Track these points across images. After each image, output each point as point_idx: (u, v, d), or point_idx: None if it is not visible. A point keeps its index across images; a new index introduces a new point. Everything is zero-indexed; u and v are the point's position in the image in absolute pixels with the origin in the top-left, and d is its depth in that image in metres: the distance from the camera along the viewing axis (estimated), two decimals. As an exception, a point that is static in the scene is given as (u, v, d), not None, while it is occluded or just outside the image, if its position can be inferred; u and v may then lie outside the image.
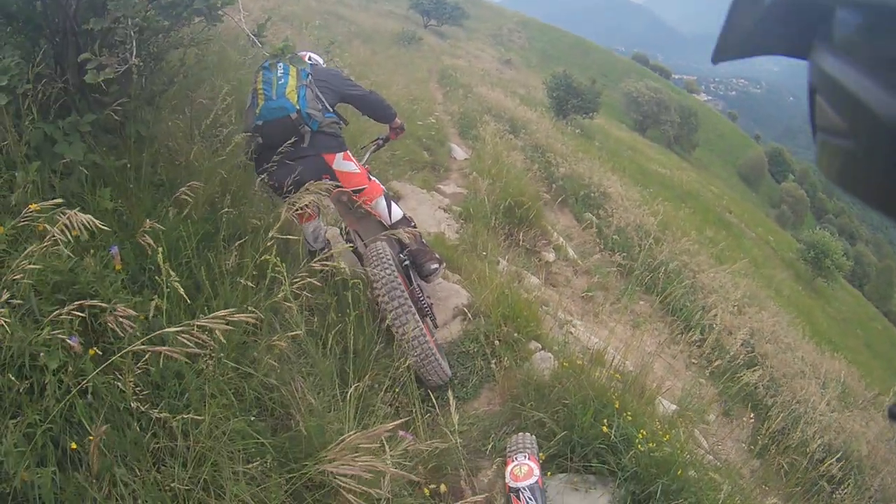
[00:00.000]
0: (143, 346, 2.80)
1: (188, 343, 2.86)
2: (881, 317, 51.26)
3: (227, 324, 2.88)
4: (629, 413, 4.88)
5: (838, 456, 8.57)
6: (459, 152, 15.59)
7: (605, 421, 4.71)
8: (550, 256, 10.99)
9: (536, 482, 3.53)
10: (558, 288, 10.11)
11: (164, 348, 2.81)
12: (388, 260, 5.16)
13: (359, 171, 5.70)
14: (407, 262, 5.84)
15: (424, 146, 14.44)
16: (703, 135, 72.80)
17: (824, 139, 0.89)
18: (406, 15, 53.09)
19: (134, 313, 3.08)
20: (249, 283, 4.13)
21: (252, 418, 3.62)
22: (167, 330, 2.90)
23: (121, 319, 2.97)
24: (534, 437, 4.34)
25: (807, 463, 6.98)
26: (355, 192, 5.71)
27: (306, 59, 6.04)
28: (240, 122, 6.12)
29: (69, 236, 3.02)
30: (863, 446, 10.26)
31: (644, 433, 4.70)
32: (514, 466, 3.59)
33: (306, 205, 4.96)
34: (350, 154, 5.68)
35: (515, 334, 6.00)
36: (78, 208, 3.16)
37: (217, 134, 5.73)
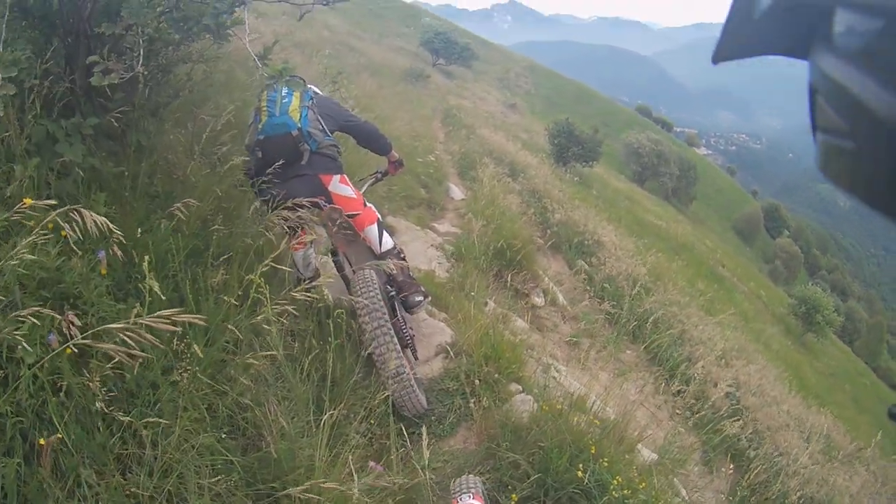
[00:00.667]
0: (86, 341, 2.76)
1: (131, 342, 2.81)
2: (870, 372, 51.33)
3: (172, 324, 2.84)
4: (605, 459, 4.89)
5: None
6: (457, 192, 15.60)
7: (581, 466, 4.71)
8: (539, 301, 10.96)
9: None
10: (545, 332, 10.09)
11: (107, 345, 2.78)
12: (374, 288, 5.16)
13: (354, 196, 5.79)
14: (393, 293, 5.81)
15: (422, 183, 14.46)
16: (701, 188, 72.96)
17: (824, 139, 0.89)
18: (416, 52, 53.26)
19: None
20: (233, 301, 4.11)
21: (223, 435, 3.63)
22: (109, 326, 2.86)
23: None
24: (478, 478, 4.32)
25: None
26: (350, 216, 5.71)
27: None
28: (240, 142, 6.18)
29: (76, 231, 3.03)
30: (845, 499, 10.16)
31: (619, 480, 4.70)
32: None
33: (299, 232, 5.18)
34: (347, 179, 5.78)
35: (496, 375, 6.02)
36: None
37: (216, 151, 5.77)
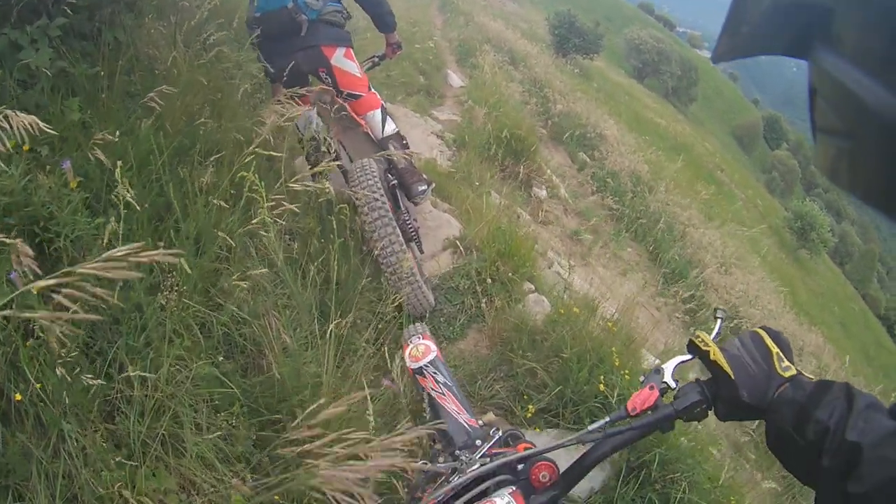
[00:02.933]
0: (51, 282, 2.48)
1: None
2: (859, 298, 51.74)
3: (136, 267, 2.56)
4: (627, 371, 4.83)
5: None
6: (456, 80, 15.38)
7: (602, 378, 4.66)
8: (542, 193, 10.89)
9: (436, 356, 3.44)
10: (547, 226, 10.05)
11: (74, 292, 2.57)
12: (374, 177, 4.94)
13: (360, 75, 5.51)
14: (394, 183, 5.60)
15: (421, 70, 14.26)
16: (701, 90, 72.22)
17: (824, 139, 0.91)
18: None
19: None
20: (223, 203, 3.90)
21: (220, 358, 3.46)
22: (73, 269, 2.81)
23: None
24: (426, 325, 4.25)
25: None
26: (352, 96, 5.52)
27: None
28: (228, 30, 5.91)
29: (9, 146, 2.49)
30: None
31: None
32: (411, 349, 3.48)
33: (301, 93, 4.82)
34: (353, 54, 5.48)
35: (510, 273, 5.82)
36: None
37: (201, 41, 5.34)
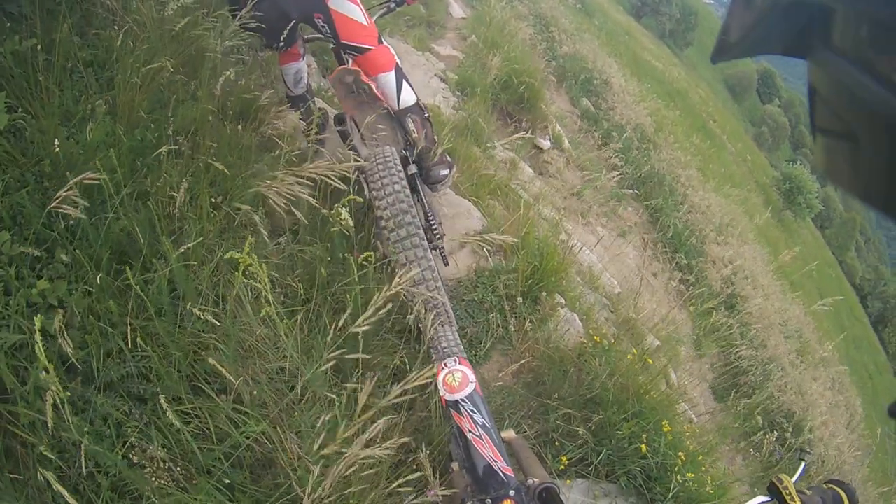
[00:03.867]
0: None
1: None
2: (836, 264, 52.75)
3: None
4: (670, 434, 4.46)
5: (793, 423, 9.06)
6: (457, 10, 14.91)
7: (644, 437, 4.31)
8: (545, 144, 10.64)
9: (474, 389, 3.05)
10: (548, 179, 9.75)
11: None
12: (397, 173, 4.04)
13: (366, 22, 4.35)
14: (414, 172, 4.64)
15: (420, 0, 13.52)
16: (698, 36, 72.62)
17: (824, 139, 0.89)
18: None
19: None
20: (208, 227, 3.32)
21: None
22: None
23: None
24: (460, 340, 3.78)
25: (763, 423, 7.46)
26: (356, 50, 4.44)
27: None
28: None
29: None
30: (817, 418, 10.20)
31: (682, 457, 4.35)
32: (446, 375, 3.10)
33: (288, 42, 4.25)
34: None
35: (541, 291, 5.17)
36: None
37: None
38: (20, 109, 3.14)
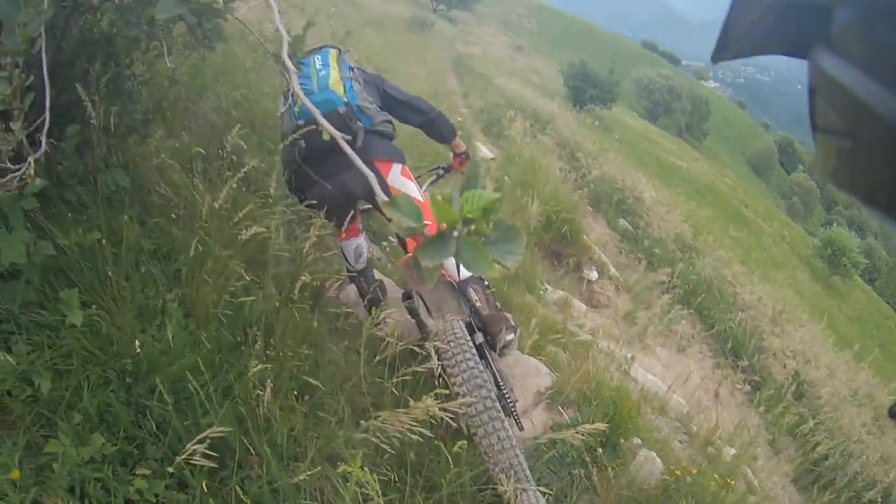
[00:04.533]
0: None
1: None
2: (892, 314, 51.55)
3: None
4: None
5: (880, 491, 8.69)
6: (485, 152, 14.94)
7: None
8: (592, 275, 10.55)
9: None
10: (601, 309, 9.65)
11: None
12: (468, 348, 3.93)
13: (421, 198, 4.38)
14: (482, 341, 4.46)
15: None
16: (712, 123, 72.97)
17: (824, 139, 0.86)
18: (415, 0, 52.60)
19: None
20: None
21: None
22: None
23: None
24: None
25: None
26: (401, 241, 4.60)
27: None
28: (252, 139, 5.24)
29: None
30: None
31: None
32: None
33: (350, 220, 4.26)
34: (410, 172, 4.47)
35: (619, 438, 5.09)
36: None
37: (223, 157, 4.39)
38: (94, 305, 3.12)
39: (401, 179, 4.31)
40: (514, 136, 15.12)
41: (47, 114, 2.00)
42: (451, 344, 3.90)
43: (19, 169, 1.99)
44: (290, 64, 1.95)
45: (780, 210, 62.63)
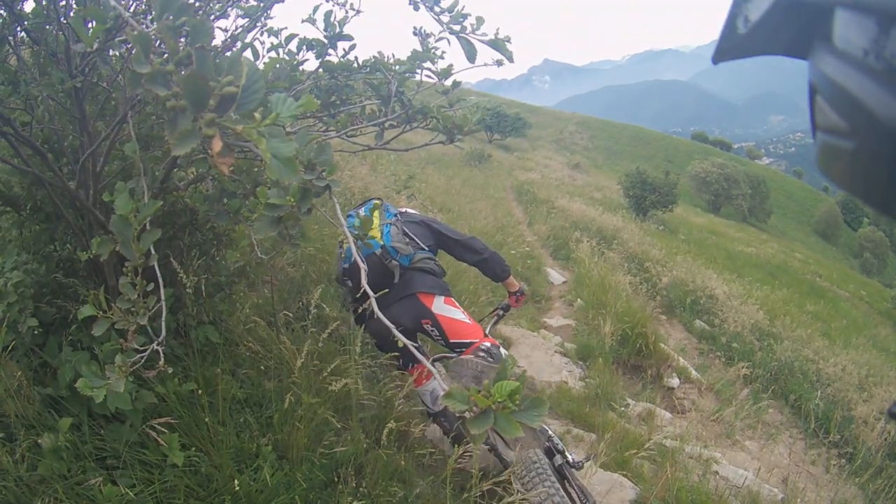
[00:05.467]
0: None
1: None
2: None
3: None
4: None
5: None
6: (556, 276, 15.03)
7: None
8: (674, 382, 10.43)
9: None
10: (686, 414, 9.55)
11: None
12: (548, 474, 3.98)
13: (469, 321, 4.66)
14: (561, 462, 4.58)
15: (522, 277, 13.69)
16: (774, 199, 72.02)
17: (825, 139, 0.86)
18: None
19: None
20: None
21: None
22: None
23: None
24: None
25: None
26: (466, 346, 4.55)
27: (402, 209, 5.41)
28: (332, 297, 5.46)
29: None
30: None
31: None
32: None
33: (413, 360, 4.42)
34: (455, 301, 4.75)
35: None
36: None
37: (305, 308, 4.73)
38: (193, 448, 3.33)
39: (445, 307, 4.60)
40: (582, 257, 15.22)
41: (163, 304, 2.27)
42: (532, 475, 4.00)
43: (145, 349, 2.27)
44: (363, 265, 2.22)
45: (855, 270, 60.97)
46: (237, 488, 3.14)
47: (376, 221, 4.74)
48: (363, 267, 2.22)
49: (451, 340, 4.59)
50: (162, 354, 2.36)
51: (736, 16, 1.00)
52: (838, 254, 71.77)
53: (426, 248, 4.86)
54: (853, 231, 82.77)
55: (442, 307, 4.63)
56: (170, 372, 3.39)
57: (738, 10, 1.00)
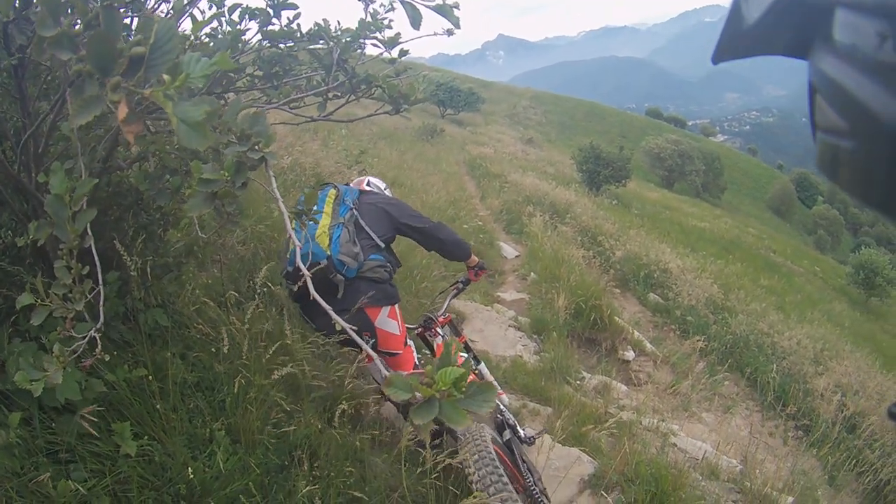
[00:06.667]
0: None
1: None
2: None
3: None
4: None
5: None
6: (509, 250, 15.08)
7: None
8: (630, 355, 10.51)
9: None
10: (642, 386, 9.59)
11: None
12: (487, 452, 3.98)
13: (398, 332, 4.79)
14: (510, 437, 4.84)
15: (475, 252, 13.58)
16: (728, 176, 72.81)
17: (824, 139, 0.87)
18: (423, 107, 53.17)
19: None
20: None
21: None
22: None
23: None
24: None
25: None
26: (389, 355, 4.80)
27: (364, 185, 5.40)
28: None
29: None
30: None
31: None
32: None
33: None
34: (397, 310, 4.81)
35: None
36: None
37: (255, 291, 4.38)
38: (145, 436, 3.29)
39: (387, 321, 4.68)
40: (535, 231, 15.24)
41: (101, 288, 2.18)
42: (472, 447, 4.00)
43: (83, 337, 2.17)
44: (297, 242, 2.14)
45: (809, 246, 61.95)
46: (191, 476, 3.10)
47: (327, 221, 4.59)
48: (307, 274, 2.12)
49: (380, 349, 4.72)
50: (99, 341, 2.24)
51: (736, 16, 1.01)
52: (792, 230, 72.81)
53: (381, 244, 4.75)
54: (808, 208, 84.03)
55: (385, 321, 4.68)
56: (106, 359, 3.13)
57: (738, 10, 1.00)
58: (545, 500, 4.62)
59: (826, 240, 70.11)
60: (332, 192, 4.76)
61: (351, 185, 5.23)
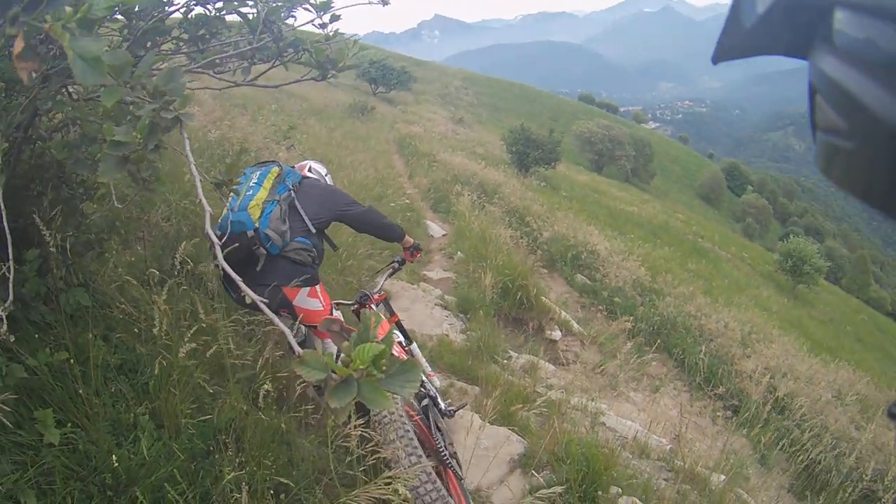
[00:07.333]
0: None
1: None
2: (864, 306, 52.23)
3: None
4: None
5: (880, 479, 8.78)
6: (436, 229, 15.07)
7: None
8: (557, 335, 10.52)
9: None
10: (569, 366, 9.55)
11: None
12: (402, 426, 4.03)
13: (322, 307, 4.81)
14: (427, 404, 4.87)
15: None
16: (658, 162, 73.87)
17: (824, 139, 0.86)
18: (354, 85, 53.45)
19: None
20: None
21: None
22: None
23: None
24: None
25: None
26: (312, 328, 5.01)
27: (306, 170, 5.40)
28: (208, 252, 5.25)
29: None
30: None
31: None
32: None
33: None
34: (320, 289, 4.85)
35: (597, 490, 5.14)
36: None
37: (177, 267, 4.24)
38: (69, 423, 3.20)
39: (306, 300, 4.69)
40: (462, 210, 15.22)
41: (10, 264, 2.01)
42: (388, 427, 4.00)
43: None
44: (207, 207, 2.00)
45: (737, 233, 63.20)
46: (116, 464, 3.01)
47: (262, 195, 4.59)
48: (215, 241, 2.15)
49: (303, 323, 4.82)
50: (5, 321, 2.06)
51: (736, 16, 1.00)
52: (721, 217, 74.23)
53: (313, 229, 4.79)
54: (736, 197, 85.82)
55: (304, 300, 4.70)
56: (12, 339, 2.96)
57: (738, 10, 0.99)
58: (454, 463, 4.61)
59: (754, 227, 71.66)
60: (276, 169, 4.80)
61: (294, 167, 5.24)
